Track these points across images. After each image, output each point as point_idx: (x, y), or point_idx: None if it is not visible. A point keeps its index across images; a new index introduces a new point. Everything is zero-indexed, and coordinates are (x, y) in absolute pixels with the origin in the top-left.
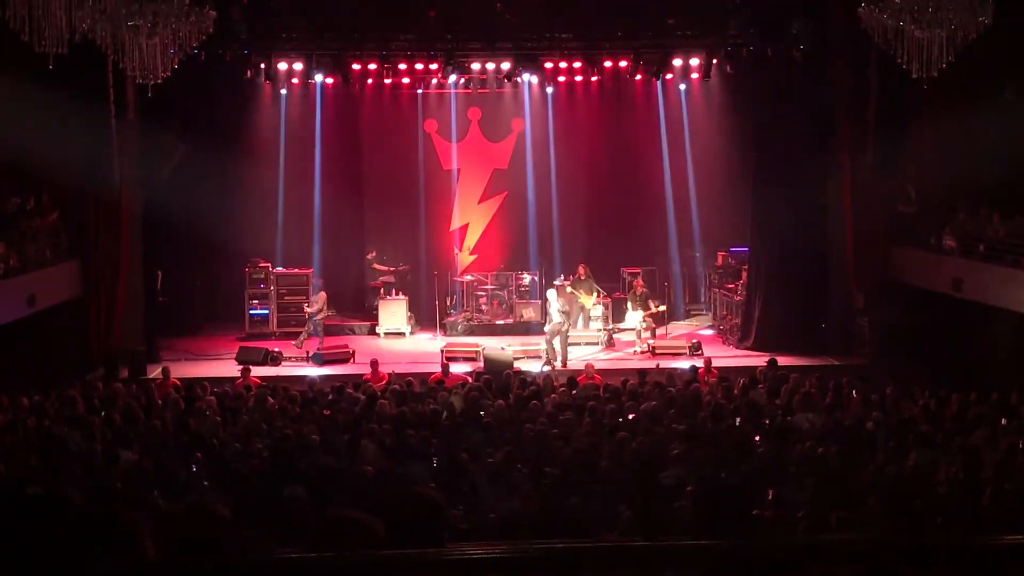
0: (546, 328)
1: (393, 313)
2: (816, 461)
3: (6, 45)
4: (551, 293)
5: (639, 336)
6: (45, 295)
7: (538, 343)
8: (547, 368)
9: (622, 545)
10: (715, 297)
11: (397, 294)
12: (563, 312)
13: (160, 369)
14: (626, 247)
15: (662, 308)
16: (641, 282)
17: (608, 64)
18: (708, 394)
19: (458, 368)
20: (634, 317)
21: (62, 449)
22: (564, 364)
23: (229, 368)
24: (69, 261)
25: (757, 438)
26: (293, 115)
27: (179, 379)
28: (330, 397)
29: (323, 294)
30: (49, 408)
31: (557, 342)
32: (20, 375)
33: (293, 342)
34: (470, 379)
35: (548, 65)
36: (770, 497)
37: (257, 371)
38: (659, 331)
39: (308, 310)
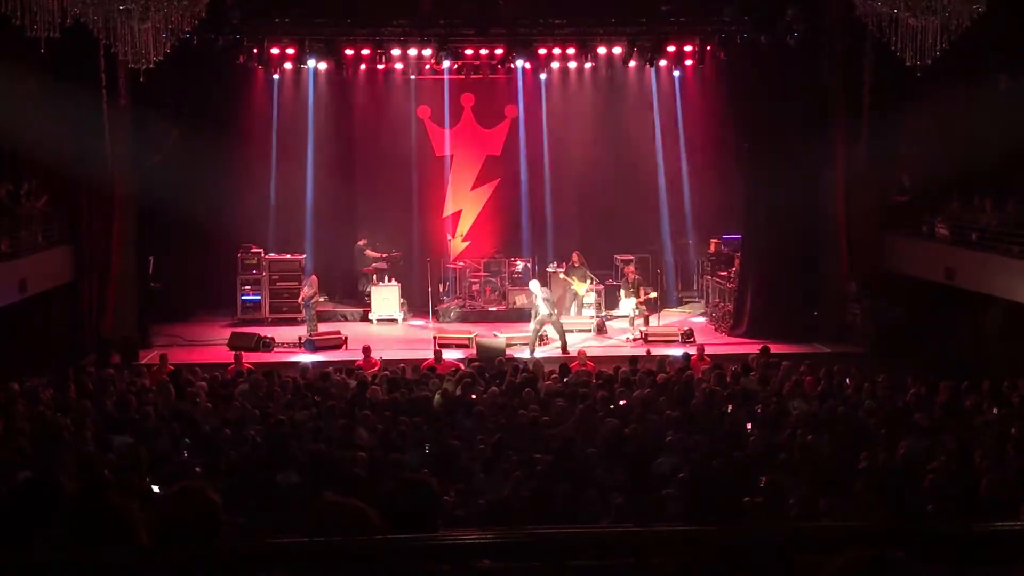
0: (535, 319)
1: (385, 299)
2: (808, 448)
3: None
4: (533, 284)
5: (632, 323)
6: (37, 281)
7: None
8: (527, 356)
9: (614, 531)
10: (708, 284)
11: (390, 280)
12: (548, 301)
13: (158, 355)
14: (619, 234)
15: (653, 295)
16: (632, 269)
17: (602, 50)
18: (701, 381)
19: (451, 355)
20: (627, 304)
21: (54, 435)
22: (564, 351)
23: (221, 354)
24: (61, 246)
25: (749, 425)
26: (286, 100)
27: (172, 365)
28: (318, 384)
29: (314, 277)
30: (41, 394)
31: (550, 329)
32: (12, 361)
33: (304, 333)
34: (462, 366)
35: (542, 51)
36: (762, 484)
37: (249, 357)
38: (651, 318)
39: (305, 293)
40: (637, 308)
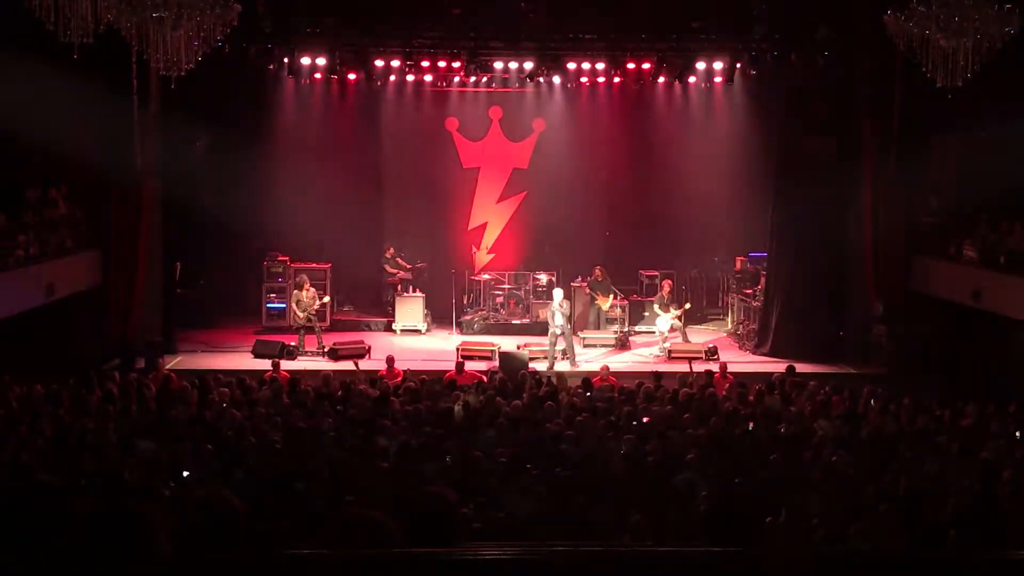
0: (557, 331)
1: (410, 310)
2: (831, 469)
3: (31, 34)
4: (557, 293)
5: (662, 337)
6: (64, 284)
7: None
8: (547, 371)
9: (633, 550)
10: (733, 302)
11: (414, 291)
12: (564, 313)
13: (172, 362)
14: (645, 250)
15: (687, 306)
16: (670, 283)
17: (631, 66)
18: (724, 399)
19: (473, 367)
20: (664, 320)
21: (77, 439)
22: (574, 364)
23: (245, 361)
24: (89, 251)
25: (772, 445)
26: (315, 110)
27: (195, 371)
28: (339, 393)
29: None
30: (65, 398)
31: (560, 342)
32: (37, 364)
33: (313, 348)
34: (485, 378)
35: (571, 65)
36: (785, 505)
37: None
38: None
39: (324, 301)
40: (678, 320)
